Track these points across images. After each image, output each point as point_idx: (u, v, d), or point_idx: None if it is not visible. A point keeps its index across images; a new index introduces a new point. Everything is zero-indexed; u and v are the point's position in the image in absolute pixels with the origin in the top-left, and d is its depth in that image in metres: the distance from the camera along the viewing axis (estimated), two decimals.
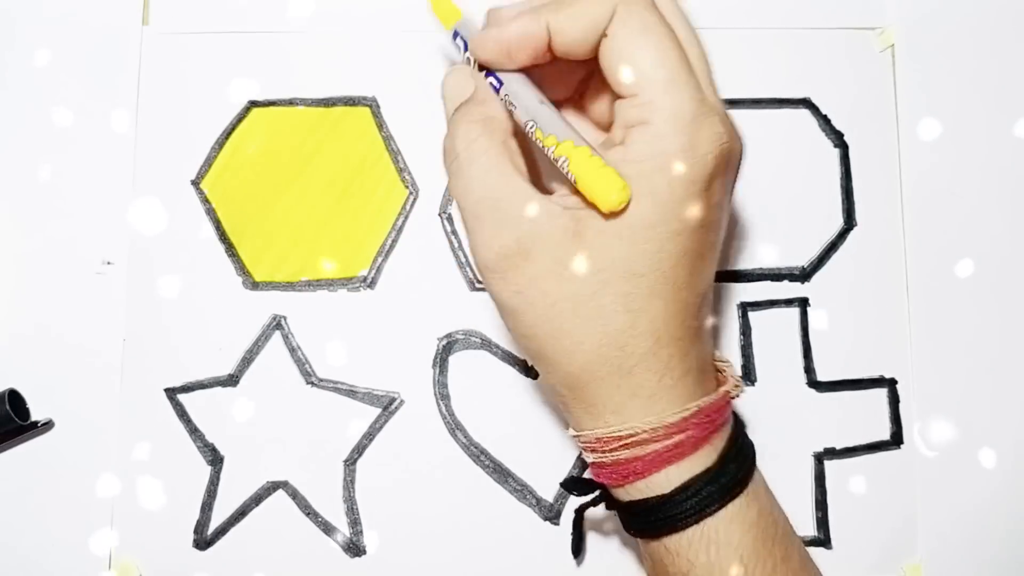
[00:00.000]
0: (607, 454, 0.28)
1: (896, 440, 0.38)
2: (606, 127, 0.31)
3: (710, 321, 0.30)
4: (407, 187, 0.39)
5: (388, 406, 0.38)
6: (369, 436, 0.37)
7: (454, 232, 0.39)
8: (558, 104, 0.30)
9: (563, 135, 0.27)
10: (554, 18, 0.27)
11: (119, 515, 0.37)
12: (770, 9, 0.40)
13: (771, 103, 0.39)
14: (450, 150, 0.28)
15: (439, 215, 0.39)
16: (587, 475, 0.31)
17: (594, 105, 0.31)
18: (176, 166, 0.39)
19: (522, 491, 0.37)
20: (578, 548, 0.35)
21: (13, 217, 0.38)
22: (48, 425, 0.37)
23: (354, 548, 0.37)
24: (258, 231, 0.39)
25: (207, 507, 0.37)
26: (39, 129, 0.39)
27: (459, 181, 0.28)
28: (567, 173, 0.26)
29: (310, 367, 0.38)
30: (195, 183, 0.39)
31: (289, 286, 0.38)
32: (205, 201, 0.39)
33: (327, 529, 0.37)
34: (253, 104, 0.39)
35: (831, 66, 0.40)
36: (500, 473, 0.37)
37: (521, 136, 0.29)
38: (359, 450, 0.37)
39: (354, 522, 0.37)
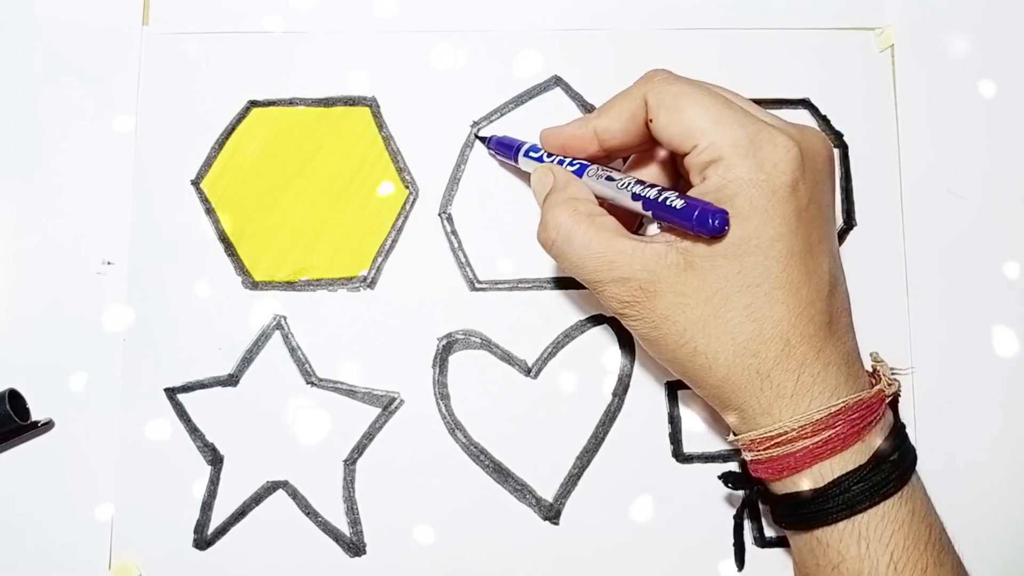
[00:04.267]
0: (762, 452, 0.30)
1: None
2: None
3: (847, 317, 0.31)
4: (407, 187, 0.39)
5: (388, 406, 0.38)
6: (369, 436, 0.37)
7: (454, 232, 0.39)
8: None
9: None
10: (597, 122, 0.33)
11: (119, 515, 0.37)
12: (770, 9, 0.40)
13: (771, 103, 0.39)
14: (546, 239, 0.32)
15: (439, 215, 0.39)
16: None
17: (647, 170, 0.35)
18: (176, 166, 0.39)
19: (522, 491, 0.37)
20: (741, 556, 0.36)
21: (13, 217, 0.38)
22: (48, 425, 0.37)
23: (354, 548, 0.37)
24: (258, 231, 0.39)
25: (207, 507, 0.37)
26: (39, 129, 0.39)
27: (568, 260, 0.31)
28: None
29: (310, 367, 0.38)
30: (195, 183, 0.39)
31: (289, 286, 0.38)
32: (205, 201, 0.39)
33: (327, 529, 0.37)
34: (253, 104, 0.39)
35: (831, 66, 0.40)
36: (500, 473, 0.37)
37: (607, 204, 0.33)
38: (359, 450, 0.37)
39: (354, 522, 0.37)
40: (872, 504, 0.29)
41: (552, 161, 0.35)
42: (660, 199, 0.29)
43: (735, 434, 0.31)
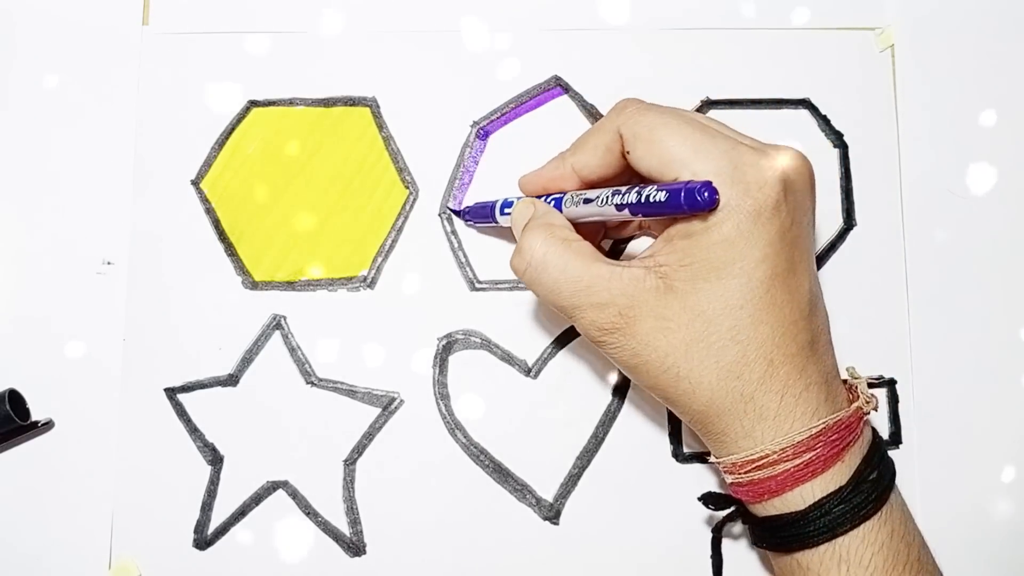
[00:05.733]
0: (743, 475, 0.29)
1: (895, 440, 0.38)
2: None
3: (826, 335, 0.31)
4: (407, 187, 0.39)
5: (388, 406, 0.38)
6: (369, 436, 0.37)
7: (454, 232, 0.39)
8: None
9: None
10: (573, 160, 0.33)
11: (119, 515, 0.37)
12: (770, 9, 0.40)
13: (771, 103, 0.39)
14: (519, 263, 0.31)
15: (439, 215, 0.39)
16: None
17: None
18: (176, 166, 0.39)
19: (522, 491, 0.37)
20: (719, 569, 0.36)
21: (13, 217, 0.38)
22: (48, 425, 0.37)
23: (354, 548, 0.37)
24: (258, 231, 0.39)
25: (207, 507, 0.37)
26: (39, 129, 0.39)
27: (543, 286, 0.31)
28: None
29: (310, 367, 0.38)
30: (195, 183, 0.39)
31: (289, 286, 0.38)
32: (205, 201, 0.39)
33: (327, 529, 0.37)
34: (253, 104, 0.39)
35: (831, 66, 0.40)
36: (500, 473, 0.37)
37: (583, 230, 0.32)
38: (359, 450, 0.37)
39: (354, 522, 0.37)
40: (853, 526, 0.28)
41: None
42: (643, 200, 0.29)
43: (715, 456, 0.31)
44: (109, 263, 0.38)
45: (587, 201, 0.31)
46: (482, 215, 0.37)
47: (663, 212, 0.28)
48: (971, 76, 0.40)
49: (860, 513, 0.28)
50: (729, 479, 0.31)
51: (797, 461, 0.28)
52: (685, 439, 0.37)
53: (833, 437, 0.29)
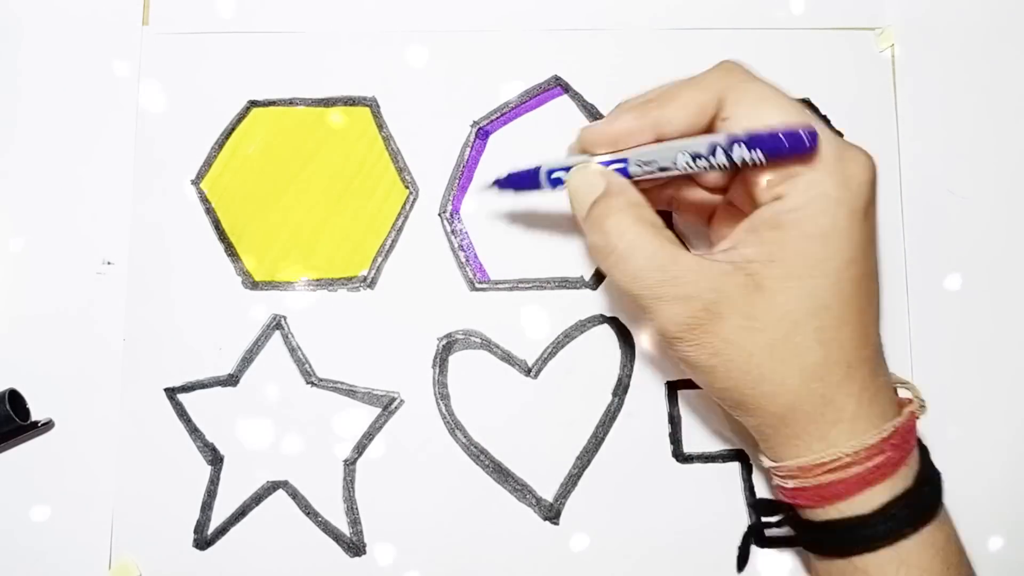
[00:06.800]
0: (810, 479, 0.29)
1: None
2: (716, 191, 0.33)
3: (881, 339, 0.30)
4: (407, 187, 0.39)
5: (388, 406, 0.38)
6: (369, 436, 0.37)
7: (454, 232, 0.39)
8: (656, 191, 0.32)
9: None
10: (660, 113, 0.29)
11: (119, 515, 0.37)
12: (770, 9, 0.40)
13: None
14: (604, 246, 0.29)
15: (439, 215, 0.39)
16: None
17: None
18: (176, 166, 0.39)
19: (522, 491, 0.37)
20: (743, 566, 0.35)
21: (13, 217, 0.38)
22: (48, 425, 0.37)
23: (354, 548, 0.37)
24: (258, 231, 0.39)
25: (207, 507, 0.37)
26: (39, 129, 0.39)
27: (626, 273, 0.29)
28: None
29: (310, 367, 0.38)
30: (195, 183, 0.39)
31: (289, 286, 0.38)
32: (205, 201, 0.39)
33: (327, 529, 0.37)
34: (253, 104, 0.39)
35: (831, 66, 0.40)
36: (500, 473, 0.37)
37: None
38: (359, 450, 0.37)
39: (354, 522, 0.37)
40: (915, 529, 0.28)
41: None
42: (739, 160, 0.26)
43: (776, 460, 0.30)
44: (109, 263, 0.38)
45: (663, 170, 0.29)
46: (522, 182, 0.33)
47: (762, 157, 0.27)
48: (971, 76, 0.40)
49: (921, 516, 0.28)
50: (791, 483, 0.30)
51: (869, 464, 0.28)
52: (685, 439, 0.37)
53: (900, 441, 0.28)
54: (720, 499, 0.37)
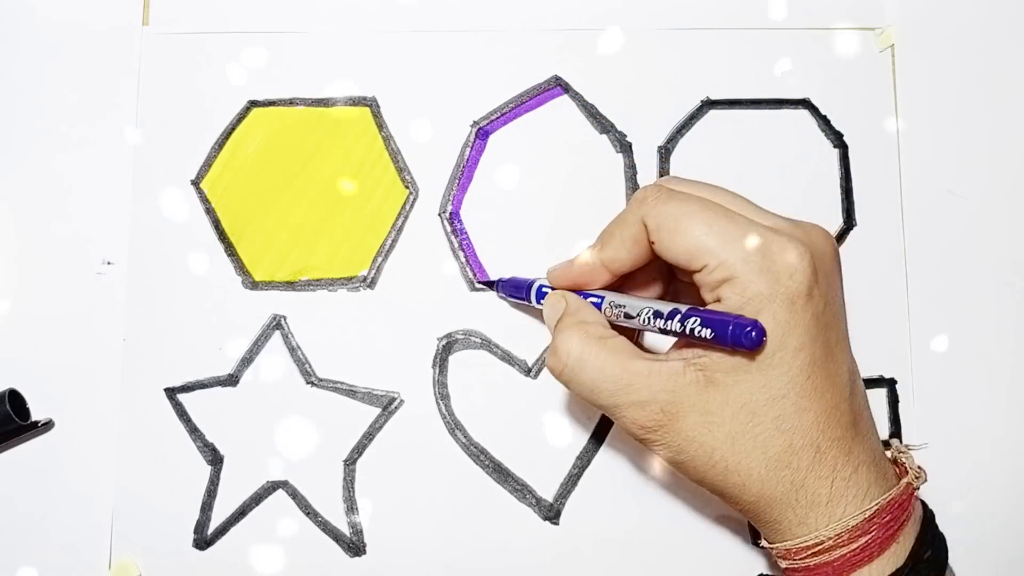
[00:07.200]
0: (798, 561, 0.29)
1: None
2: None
3: (867, 412, 0.30)
4: (407, 187, 0.39)
5: (388, 406, 0.38)
6: (369, 436, 0.37)
7: (454, 232, 0.39)
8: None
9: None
10: (602, 255, 0.32)
11: (119, 515, 0.37)
12: (770, 9, 0.40)
13: (771, 103, 0.39)
14: (556, 364, 0.31)
15: (439, 215, 0.39)
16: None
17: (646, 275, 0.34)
18: (176, 166, 0.39)
19: (522, 491, 0.37)
20: None
21: (14, 217, 0.38)
22: (48, 425, 0.37)
23: (354, 548, 0.37)
24: (258, 231, 0.39)
25: (207, 507, 0.37)
26: (39, 129, 0.39)
27: (582, 385, 0.30)
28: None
29: (310, 367, 0.38)
30: (195, 183, 0.39)
31: (289, 286, 0.38)
32: (205, 201, 0.39)
33: (327, 529, 0.37)
34: (253, 104, 0.39)
35: (831, 66, 0.40)
36: (500, 473, 0.37)
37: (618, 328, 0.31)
38: (359, 450, 0.37)
39: (354, 522, 0.37)
40: None
41: None
42: (688, 331, 0.28)
43: (769, 542, 0.30)
44: (109, 263, 0.38)
45: (628, 317, 0.31)
46: (517, 293, 0.36)
47: (708, 344, 0.28)
48: (971, 76, 0.40)
49: None
50: (784, 564, 0.30)
51: (853, 546, 0.28)
52: None
53: (887, 518, 0.28)
54: (719, 500, 0.37)
